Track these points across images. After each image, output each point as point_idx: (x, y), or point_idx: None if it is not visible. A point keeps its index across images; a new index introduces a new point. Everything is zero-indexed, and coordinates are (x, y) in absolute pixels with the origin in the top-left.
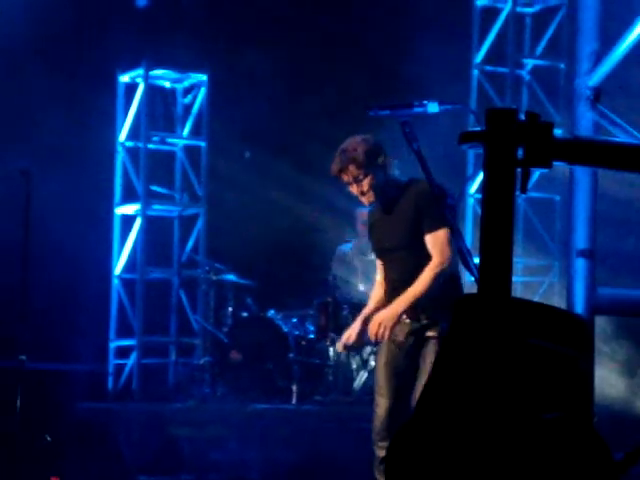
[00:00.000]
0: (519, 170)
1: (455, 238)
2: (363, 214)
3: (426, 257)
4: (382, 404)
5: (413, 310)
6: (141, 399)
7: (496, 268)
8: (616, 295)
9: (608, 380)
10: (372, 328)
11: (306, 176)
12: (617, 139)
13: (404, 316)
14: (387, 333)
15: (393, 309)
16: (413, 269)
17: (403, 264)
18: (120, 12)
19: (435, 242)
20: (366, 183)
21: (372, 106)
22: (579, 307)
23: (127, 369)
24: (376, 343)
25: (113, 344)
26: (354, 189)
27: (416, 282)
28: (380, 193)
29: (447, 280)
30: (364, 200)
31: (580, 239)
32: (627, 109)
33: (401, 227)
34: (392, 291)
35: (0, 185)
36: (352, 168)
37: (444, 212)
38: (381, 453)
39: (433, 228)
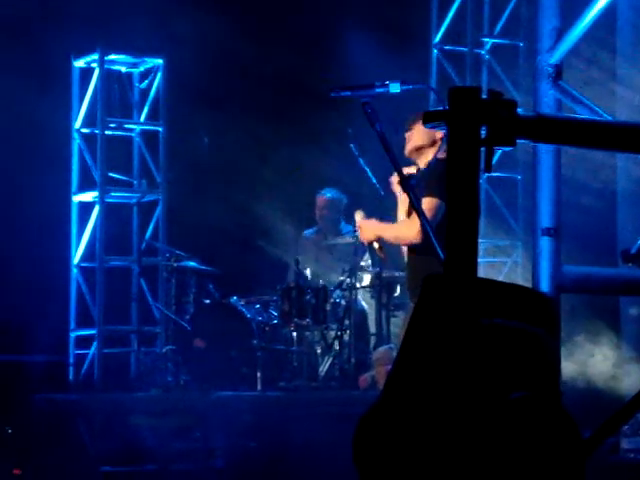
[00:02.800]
0: (483, 149)
1: (419, 218)
2: (321, 199)
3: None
4: None
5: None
6: (103, 389)
7: (462, 248)
8: (581, 273)
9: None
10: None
11: (267, 160)
12: (580, 116)
13: None
14: (362, 236)
15: (377, 232)
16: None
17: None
18: None
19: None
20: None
21: (334, 87)
22: (544, 286)
23: (88, 359)
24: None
25: (73, 334)
26: None
27: (396, 224)
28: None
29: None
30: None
31: (544, 217)
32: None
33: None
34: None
35: None
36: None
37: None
38: None
39: (426, 193)
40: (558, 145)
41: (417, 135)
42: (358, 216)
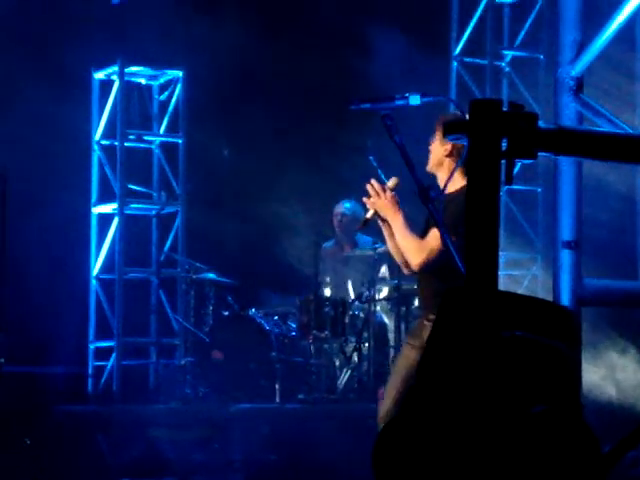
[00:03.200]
0: (503, 162)
1: (439, 230)
2: (339, 210)
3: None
4: (384, 405)
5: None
6: (122, 401)
7: (482, 260)
8: (602, 286)
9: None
10: (377, 196)
11: (285, 173)
12: (601, 129)
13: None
14: (376, 203)
15: (395, 215)
16: (430, 283)
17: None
18: (95, 9)
19: (429, 237)
20: (433, 146)
21: (353, 100)
22: (565, 299)
23: (107, 371)
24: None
25: (92, 345)
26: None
27: (414, 236)
28: (436, 167)
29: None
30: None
31: (565, 230)
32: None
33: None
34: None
35: None
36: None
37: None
38: None
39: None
40: (579, 158)
41: (437, 147)
42: (392, 182)
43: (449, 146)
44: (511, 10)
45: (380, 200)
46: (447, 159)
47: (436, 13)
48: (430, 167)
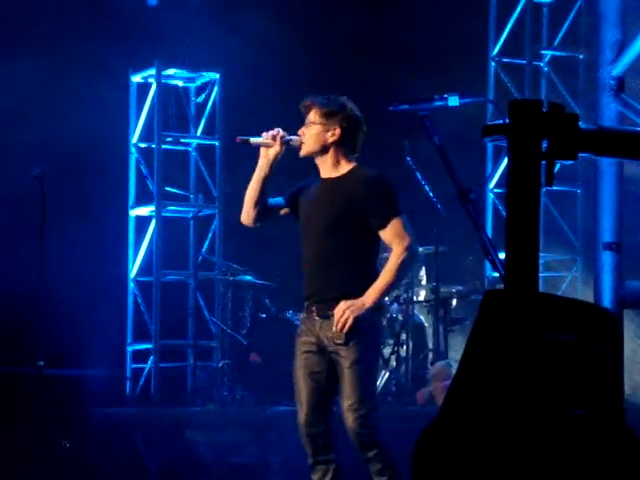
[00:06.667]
0: (543, 163)
1: (478, 233)
2: None
3: (354, 248)
4: (301, 411)
5: (328, 308)
6: (159, 403)
7: (522, 262)
8: None
9: None
10: (336, 314)
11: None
12: None
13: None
14: (350, 322)
15: (363, 300)
16: (333, 254)
17: (325, 246)
18: (131, 12)
19: (392, 233)
20: (314, 131)
21: (392, 101)
22: (606, 301)
23: (145, 373)
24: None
25: (130, 348)
26: (302, 131)
27: (383, 271)
28: (320, 153)
29: (365, 280)
30: (301, 148)
31: (606, 232)
32: None
33: (336, 210)
34: (307, 270)
35: (14, 189)
36: (316, 110)
37: (394, 200)
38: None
39: (385, 222)
40: (620, 159)
41: (320, 132)
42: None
43: (338, 130)
44: (550, 9)
45: (344, 315)
46: (333, 144)
47: (474, 13)
48: (309, 152)
